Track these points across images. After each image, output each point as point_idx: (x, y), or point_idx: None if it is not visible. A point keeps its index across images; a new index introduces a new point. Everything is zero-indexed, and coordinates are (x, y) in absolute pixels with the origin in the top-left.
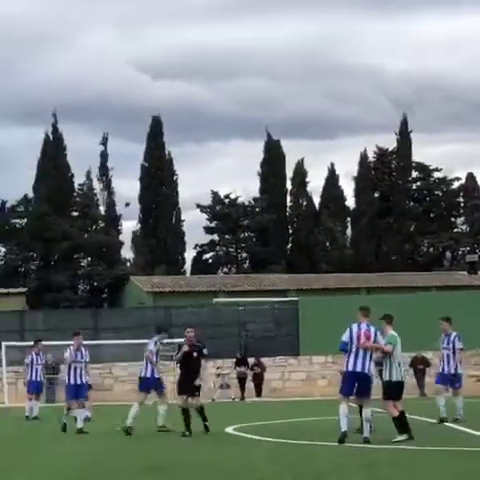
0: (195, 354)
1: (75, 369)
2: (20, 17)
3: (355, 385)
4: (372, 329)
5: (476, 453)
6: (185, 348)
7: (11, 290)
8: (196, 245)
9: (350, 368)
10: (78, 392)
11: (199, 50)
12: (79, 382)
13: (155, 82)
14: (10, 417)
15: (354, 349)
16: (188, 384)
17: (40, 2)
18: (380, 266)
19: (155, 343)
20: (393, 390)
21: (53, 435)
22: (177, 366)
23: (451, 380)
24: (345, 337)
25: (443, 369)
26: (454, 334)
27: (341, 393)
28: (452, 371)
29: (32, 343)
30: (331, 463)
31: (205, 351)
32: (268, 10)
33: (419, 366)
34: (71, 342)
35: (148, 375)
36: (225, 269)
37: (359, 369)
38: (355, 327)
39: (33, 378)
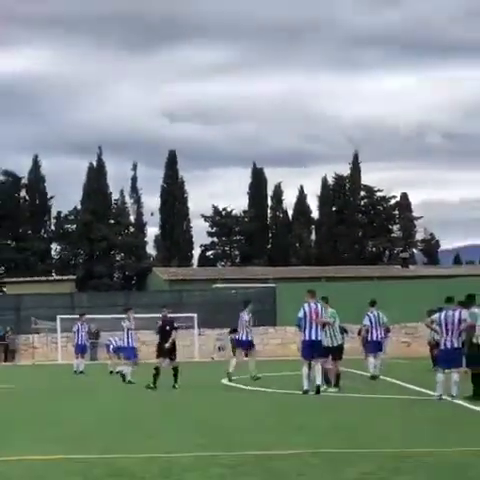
0: (167, 327)
1: (131, 334)
2: (69, 73)
3: (312, 349)
4: (319, 306)
5: (407, 400)
6: (159, 323)
7: (64, 277)
8: (201, 245)
9: (307, 337)
10: (133, 352)
11: (205, 100)
12: (134, 345)
13: (172, 124)
14: (62, 371)
15: (308, 323)
16: (164, 350)
17: (84, 62)
18: (336, 261)
19: (248, 314)
20: (335, 352)
21: (95, 386)
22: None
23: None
24: (300, 314)
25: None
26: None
27: (302, 357)
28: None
29: (78, 316)
30: (298, 407)
31: (175, 325)
32: (257, 72)
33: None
34: (108, 316)
35: (244, 338)
36: (222, 263)
37: (314, 338)
38: (306, 306)
39: (79, 342)
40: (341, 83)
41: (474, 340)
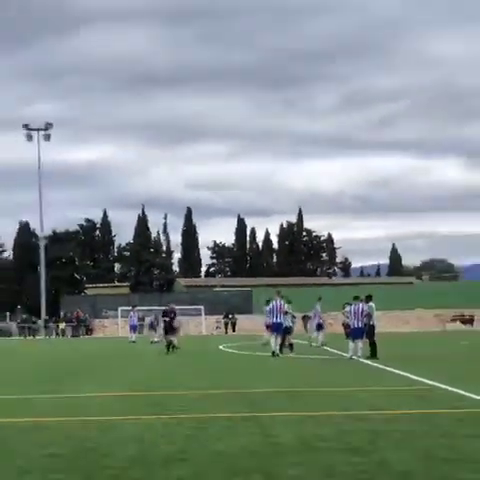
0: (172, 315)
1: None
2: (125, 160)
3: (277, 328)
4: (282, 302)
5: (331, 359)
6: (168, 311)
7: (123, 284)
8: (206, 264)
9: (274, 320)
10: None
11: (210, 176)
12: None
13: (187, 189)
14: (121, 341)
15: (275, 312)
16: (170, 330)
17: (134, 152)
18: (289, 275)
19: (286, 304)
20: (285, 330)
21: (141, 351)
22: (163, 319)
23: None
24: (270, 306)
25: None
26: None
27: (271, 331)
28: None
29: (131, 307)
30: (266, 363)
31: (177, 313)
32: (242, 158)
33: (307, 320)
34: (150, 307)
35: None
36: (219, 275)
37: (279, 320)
38: (273, 301)
39: (132, 323)
40: (293, 166)
41: (371, 322)
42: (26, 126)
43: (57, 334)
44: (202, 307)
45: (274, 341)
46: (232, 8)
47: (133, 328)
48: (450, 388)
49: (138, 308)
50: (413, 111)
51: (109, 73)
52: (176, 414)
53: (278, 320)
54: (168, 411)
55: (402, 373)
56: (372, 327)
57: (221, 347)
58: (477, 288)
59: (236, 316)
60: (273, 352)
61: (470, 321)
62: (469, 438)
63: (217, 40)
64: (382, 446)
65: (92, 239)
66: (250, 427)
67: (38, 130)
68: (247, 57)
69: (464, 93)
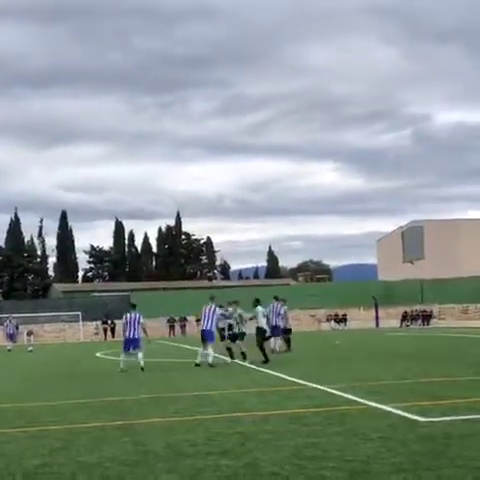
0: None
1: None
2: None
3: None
4: (213, 306)
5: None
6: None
7: None
8: (83, 269)
9: (203, 328)
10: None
11: (86, 178)
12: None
13: (66, 193)
14: None
15: (204, 318)
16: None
17: (8, 155)
18: (169, 278)
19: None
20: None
21: (18, 360)
22: None
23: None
24: (203, 312)
25: None
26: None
27: (202, 341)
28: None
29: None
30: (143, 372)
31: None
32: (122, 161)
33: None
34: (24, 315)
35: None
36: (97, 280)
37: (208, 328)
38: (204, 306)
39: (9, 331)
40: (173, 170)
41: (259, 325)
42: None
43: None
44: (79, 313)
45: (201, 353)
46: (107, 8)
47: (10, 336)
48: (320, 387)
49: (14, 316)
50: (290, 117)
51: None
52: (45, 425)
53: (207, 327)
54: (37, 423)
55: (275, 373)
56: (263, 330)
57: (98, 354)
58: (348, 288)
59: (115, 321)
60: (196, 364)
61: (343, 320)
62: (335, 436)
63: (92, 41)
64: (252, 448)
65: None
66: (121, 436)
67: None
68: (123, 59)
69: (338, 101)
